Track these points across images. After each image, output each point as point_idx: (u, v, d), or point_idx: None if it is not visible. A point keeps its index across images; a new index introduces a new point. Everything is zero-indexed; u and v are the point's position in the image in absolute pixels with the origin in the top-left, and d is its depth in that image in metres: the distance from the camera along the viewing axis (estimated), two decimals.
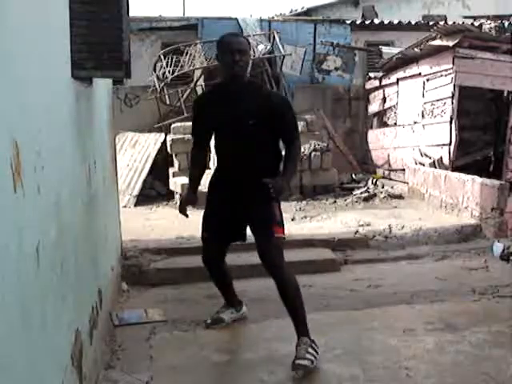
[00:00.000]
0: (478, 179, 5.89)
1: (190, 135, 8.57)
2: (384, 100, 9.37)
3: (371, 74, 9.86)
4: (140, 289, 4.28)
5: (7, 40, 1.48)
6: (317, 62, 10.97)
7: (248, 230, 3.18)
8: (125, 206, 7.19)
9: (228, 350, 3.12)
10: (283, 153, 3.14)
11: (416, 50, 7.98)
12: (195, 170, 3.37)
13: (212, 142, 3.34)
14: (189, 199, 3.35)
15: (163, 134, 8.38)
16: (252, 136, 2.99)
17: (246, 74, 3.03)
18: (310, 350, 2.83)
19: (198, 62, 9.08)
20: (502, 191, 5.56)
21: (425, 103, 7.91)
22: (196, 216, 6.77)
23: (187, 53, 9.03)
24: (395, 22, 11.21)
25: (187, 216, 3.32)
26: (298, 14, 12.67)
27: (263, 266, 3.00)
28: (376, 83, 9.56)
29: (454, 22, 9.27)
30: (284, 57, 9.45)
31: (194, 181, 3.35)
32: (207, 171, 3.52)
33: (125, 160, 8.15)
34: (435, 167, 7.27)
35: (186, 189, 3.47)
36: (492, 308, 3.77)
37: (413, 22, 11.22)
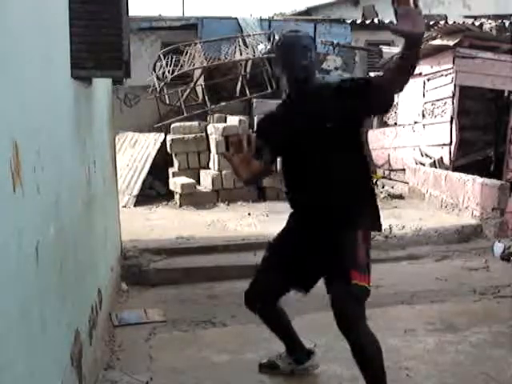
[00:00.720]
0: (479, 179, 5.89)
1: (189, 135, 8.63)
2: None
3: (371, 74, 9.85)
4: (140, 289, 4.28)
5: (7, 40, 1.47)
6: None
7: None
8: (124, 206, 7.18)
9: (228, 350, 3.12)
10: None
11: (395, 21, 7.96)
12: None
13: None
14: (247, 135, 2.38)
15: (163, 134, 8.37)
16: (332, 144, 2.35)
17: (313, 75, 2.44)
18: None
19: (197, 61, 9.07)
20: (503, 191, 5.55)
21: (425, 103, 7.91)
22: (196, 216, 6.77)
23: (187, 52, 9.03)
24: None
25: (241, 149, 2.29)
26: (298, 14, 12.68)
27: (336, 322, 2.36)
28: None
29: (455, 22, 9.27)
30: None
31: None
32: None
33: (124, 160, 8.14)
34: (436, 167, 7.26)
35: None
36: (492, 308, 3.77)
37: None
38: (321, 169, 2.36)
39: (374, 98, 2.23)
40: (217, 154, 7.69)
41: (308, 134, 2.37)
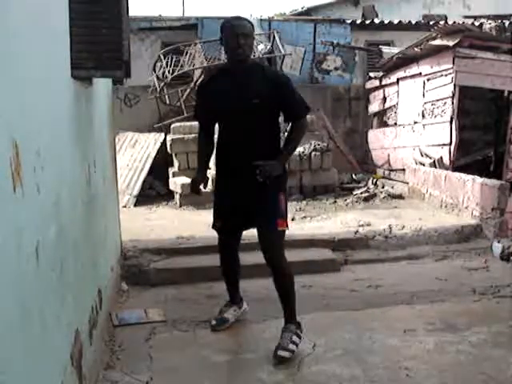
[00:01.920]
0: (479, 179, 5.89)
1: (189, 135, 8.63)
2: (384, 100, 9.36)
3: (371, 74, 9.85)
4: (140, 289, 4.28)
5: (7, 40, 1.47)
6: (317, 62, 10.96)
7: None
8: (124, 206, 7.18)
9: (228, 350, 3.12)
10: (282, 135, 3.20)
11: (416, 49, 7.97)
12: (202, 152, 3.39)
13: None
14: (199, 178, 3.36)
15: (163, 134, 8.37)
16: (254, 118, 3.00)
17: (249, 58, 3.07)
18: (294, 337, 2.99)
19: (197, 61, 9.08)
20: (503, 191, 5.55)
21: (425, 103, 7.91)
22: (196, 216, 6.77)
23: (187, 52, 9.03)
24: (395, 21, 11.20)
25: (199, 192, 3.39)
26: (298, 14, 12.67)
27: (263, 254, 3.08)
28: (376, 83, 9.55)
29: (455, 22, 9.27)
30: (284, 56, 9.44)
31: (202, 161, 3.39)
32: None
33: (125, 160, 8.15)
34: (435, 167, 7.26)
35: (196, 169, 3.49)
36: (492, 308, 3.77)
37: (413, 22, 11.22)
38: (244, 134, 3.03)
39: (288, 108, 3.08)
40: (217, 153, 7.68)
41: (237, 104, 3.00)
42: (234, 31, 2.93)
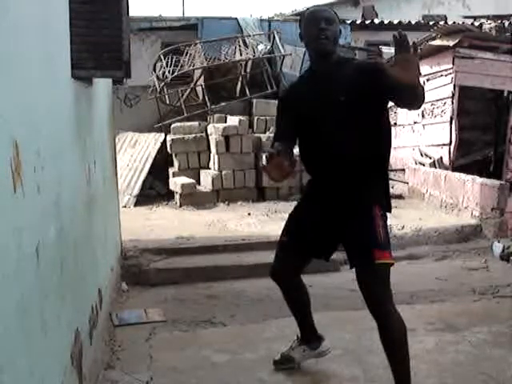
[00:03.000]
0: (478, 179, 5.89)
1: (189, 135, 8.65)
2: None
3: None
4: (140, 289, 4.28)
5: (7, 40, 1.48)
6: None
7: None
8: (125, 206, 7.19)
9: (228, 350, 3.12)
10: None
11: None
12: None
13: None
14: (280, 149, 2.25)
15: (163, 134, 8.38)
16: (346, 119, 2.36)
17: (336, 50, 2.46)
18: None
19: (197, 61, 9.08)
20: (502, 191, 5.55)
21: (425, 103, 7.90)
22: (196, 216, 6.77)
23: (187, 53, 9.03)
24: (395, 21, 11.20)
25: (284, 169, 2.22)
26: (298, 14, 12.65)
27: (365, 300, 2.44)
28: None
29: (454, 22, 9.27)
30: (284, 57, 9.45)
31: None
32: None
33: (125, 160, 8.15)
34: (435, 167, 7.26)
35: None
36: (492, 308, 3.77)
37: (413, 22, 11.22)
38: (333, 144, 2.39)
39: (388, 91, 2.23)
40: (217, 154, 7.69)
41: (322, 107, 2.40)
42: (316, 16, 2.42)
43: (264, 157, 2.41)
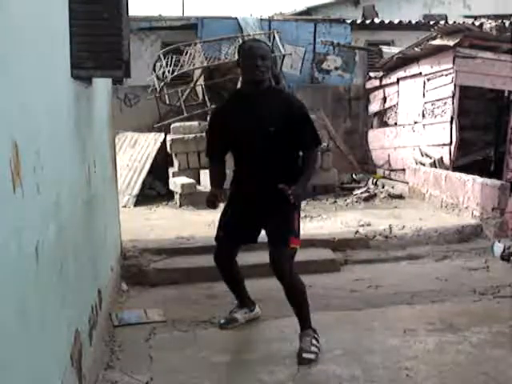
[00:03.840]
0: (479, 179, 5.89)
1: (189, 135, 8.63)
2: (384, 100, 9.36)
3: (371, 74, 9.85)
4: (140, 289, 4.28)
5: (7, 40, 1.47)
6: (317, 62, 10.96)
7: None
8: (124, 206, 7.18)
9: (228, 350, 3.12)
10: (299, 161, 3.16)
11: (416, 49, 7.97)
12: (214, 174, 3.38)
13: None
14: (214, 191, 3.31)
15: (163, 134, 8.37)
16: (272, 144, 2.97)
17: (266, 80, 3.01)
18: (313, 341, 2.98)
19: (197, 61, 9.07)
20: (503, 191, 5.55)
21: (425, 103, 7.91)
22: (196, 216, 6.76)
23: (187, 52, 9.03)
24: (395, 21, 11.20)
25: (215, 207, 3.33)
26: (298, 14, 12.67)
27: (272, 271, 3.06)
28: (376, 83, 9.55)
29: (455, 22, 9.27)
30: (284, 56, 9.44)
31: (216, 180, 3.35)
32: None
33: (124, 160, 8.14)
34: (436, 167, 7.26)
35: (210, 188, 3.44)
36: (492, 308, 3.77)
37: (413, 22, 11.22)
38: (260, 160, 3.02)
39: (302, 137, 3.03)
40: None
41: (253, 132, 2.98)
42: (252, 52, 2.93)
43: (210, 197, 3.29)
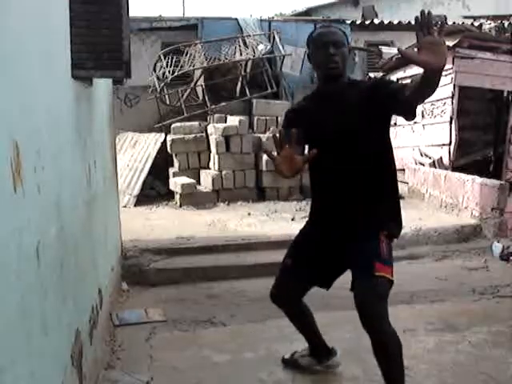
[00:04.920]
0: (478, 179, 5.89)
1: (189, 135, 8.65)
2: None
3: (371, 74, 9.85)
4: (140, 289, 4.29)
5: (7, 40, 1.48)
6: None
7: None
8: (125, 206, 7.19)
9: (228, 350, 3.12)
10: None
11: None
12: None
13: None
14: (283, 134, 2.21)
15: (163, 134, 8.38)
16: (357, 144, 2.34)
17: (345, 73, 2.41)
18: None
19: (197, 61, 9.08)
20: (502, 191, 5.55)
21: (425, 103, 7.91)
22: (196, 216, 6.76)
23: (187, 53, 9.03)
24: (395, 21, 11.20)
25: (294, 170, 2.19)
26: (298, 14, 12.67)
27: (359, 317, 2.36)
28: None
29: (454, 22, 9.27)
30: (284, 57, 9.45)
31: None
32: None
33: (125, 160, 8.15)
34: (435, 167, 7.27)
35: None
36: (492, 308, 3.77)
37: (413, 22, 11.13)
38: (346, 170, 2.36)
39: (397, 105, 2.21)
40: (217, 154, 7.69)
41: (336, 133, 2.35)
42: (323, 39, 2.36)
43: (272, 137, 2.22)
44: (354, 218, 2.37)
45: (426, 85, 2.02)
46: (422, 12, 1.92)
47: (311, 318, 2.74)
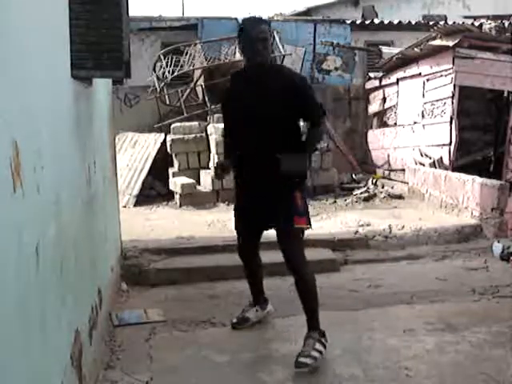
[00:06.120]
0: (478, 179, 5.89)
1: (189, 135, 8.64)
2: (384, 100, 9.37)
3: (371, 74, 9.86)
4: (140, 289, 4.28)
5: (7, 40, 1.48)
6: (317, 62, 10.97)
7: None
8: (124, 206, 7.19)
9: (228, 350, 3.12)
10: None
11: (416, 49, 7.98)
12: (229, 145, 3.35)
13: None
14: (223, 162, 3.27)
15: (163, 134, 8.38)
16: (274, 120, 2.94)
17: (268, 60, 3.01)
18: (316, 345, 2.88)
19: (197, 61, 9.08)
20: (502, 191, 5.55)
21: (425, 103, 7.91)
22: (196, 216, 6.75)
23: (187, 53, 9.03)
24: (395, 21, 11.21)
25: (222, 177, 3.32)
26: (298, 14, 12.67)
27: (284, 259, 3.01)
28: (376, 83, 9.56)
29: (454, 22, 9.27)
30: (284, 57, 9.44)
31: (229, 151, 3.31)
32: None
33: (125, 160, 8.15)
34: (435, 167, 7.27)
35: (223, 157, 3.47)
36: (492, 308, 3.77)
37: (413, 22, 11.22)
38: (262, 139, 2.96)
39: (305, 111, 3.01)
40: (217, 154, 7.69)
41: (255, 110, 2.95)
42: (251, 37, 2.91)
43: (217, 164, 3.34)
44: (271, 182, 2.98)
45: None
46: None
47: (261, 271, 3.44)
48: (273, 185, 2.98)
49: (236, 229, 3.31)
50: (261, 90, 2.97)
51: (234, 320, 3.40)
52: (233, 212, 3.32)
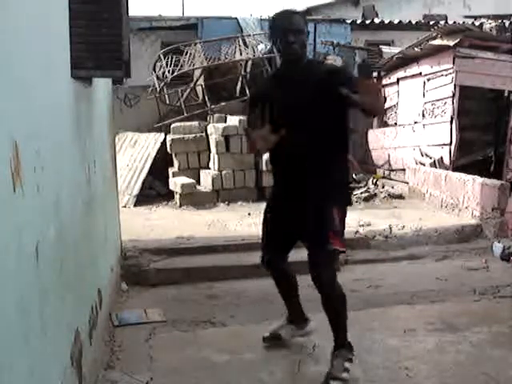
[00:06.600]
0: (479, 179, 5.89)
1: (189, 135, 8.65)
2: (384, 100, 9.36)
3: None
4: (140, 289, 4.28)
5: (7, 40, 1.47)
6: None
7: None
8: (124, 206, 7.18)
9: (228, 350, 3.12)
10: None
11: (416, 49, 7.97)
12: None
13: None
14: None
15: (163, 134, 8.37)
16: (312, 120, 2.64)
17: (304, 56, 2.71)
18: (346, 364, 2.71)
19: (197, 61, 9.07)
20: (503, 191, 5.55)
21: (425, 103, 7.91)
22: (196, 216, 6.76)
23: (187, 52, 9.03)
24: (395, 21, 11.20)
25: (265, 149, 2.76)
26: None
27: (312, 280, 2.70)
28: None
29: (455, 22, 9.27)
30: None
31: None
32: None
33: (124, 160, 8.14)
34: (436, 167, 7.26)
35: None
36: (492, 308, 3.77)
37: (413, 22, 11.22)
38: (300, 143, 2.64)
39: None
40: (217, 154, 7.69)
41: (292, 111, 2.66)
42: (283, 29, 2.62)
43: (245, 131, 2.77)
44: (307, 193, 2.69)
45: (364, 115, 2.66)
46: (364, 60, 2.42)
47: (295, 280, 3.03)
48: (310, 190, 2.68)
49: (265, 234, 2.95)
50: (297, 92, 2.67)
51: (267, 334, 3.12)
52: (263, 213, 2.99)
